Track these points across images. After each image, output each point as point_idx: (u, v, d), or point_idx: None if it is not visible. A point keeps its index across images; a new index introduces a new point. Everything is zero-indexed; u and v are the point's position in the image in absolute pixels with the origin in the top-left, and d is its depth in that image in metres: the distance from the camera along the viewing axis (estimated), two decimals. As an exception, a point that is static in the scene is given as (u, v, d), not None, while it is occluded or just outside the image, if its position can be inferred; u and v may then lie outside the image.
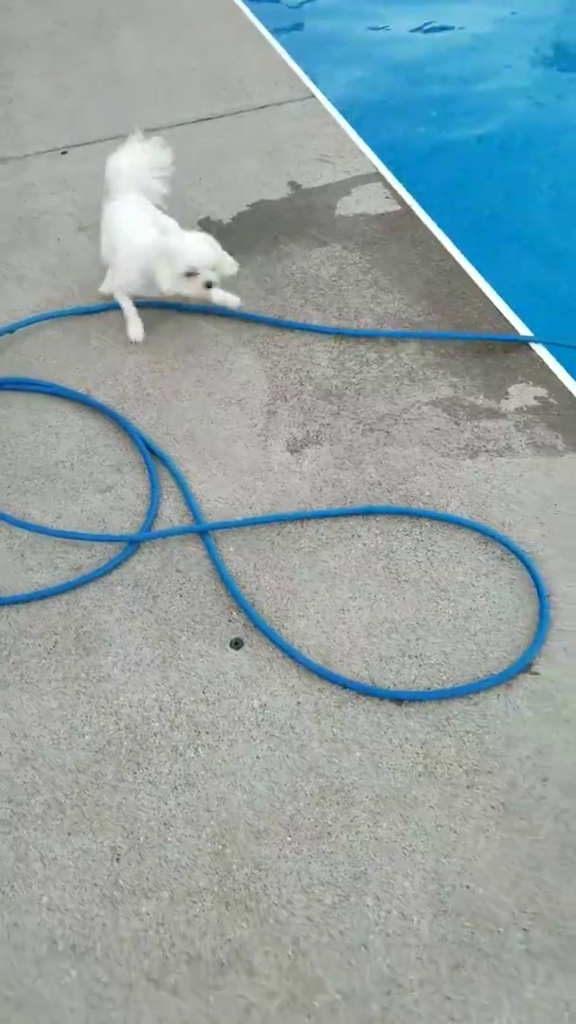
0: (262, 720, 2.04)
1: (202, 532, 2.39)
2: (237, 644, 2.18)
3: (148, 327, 3.04)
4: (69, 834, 1.88)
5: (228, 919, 1.75)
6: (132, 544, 2.37)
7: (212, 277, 2.75)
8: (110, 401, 2.78)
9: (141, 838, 1.87)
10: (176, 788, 1.94)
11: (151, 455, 2.59)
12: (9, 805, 1.92)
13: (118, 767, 1.97)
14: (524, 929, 1.71)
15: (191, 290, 2.76)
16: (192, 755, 1.99)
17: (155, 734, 2.03)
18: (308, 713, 2.05)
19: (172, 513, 2.47)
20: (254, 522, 2.41)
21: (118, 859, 1.84)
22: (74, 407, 2.78)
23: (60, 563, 2.36)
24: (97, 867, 1.83)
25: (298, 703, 2.06)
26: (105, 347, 2.99)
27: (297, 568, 2.33)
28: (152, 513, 2.45)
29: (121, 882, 1.81)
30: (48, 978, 1.70)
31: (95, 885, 1.81)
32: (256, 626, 2.20)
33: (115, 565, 2.33)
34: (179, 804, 1.91)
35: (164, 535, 2.38)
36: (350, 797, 1.90)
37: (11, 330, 3.03)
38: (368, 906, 1.75)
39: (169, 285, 2.72)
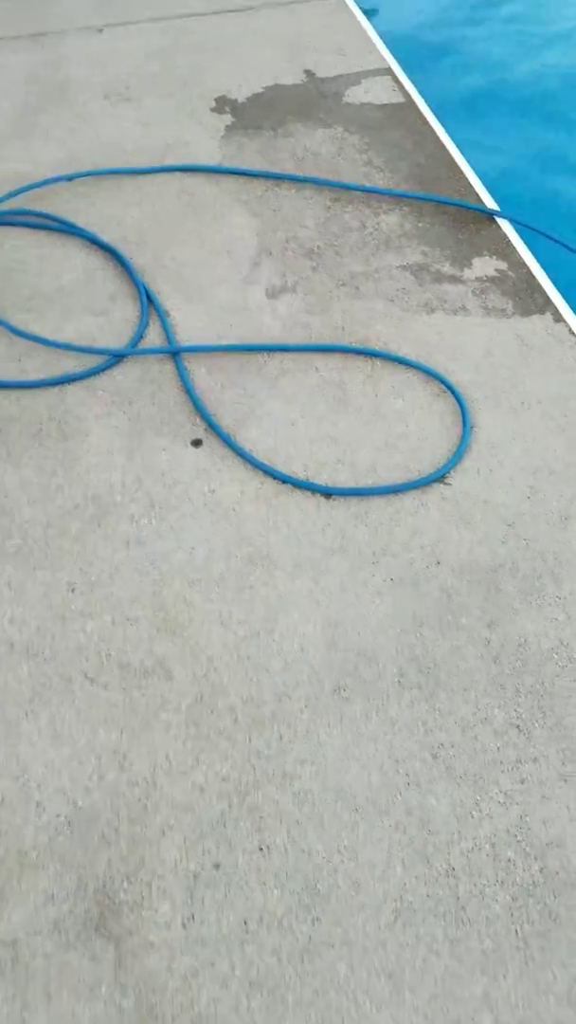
0: (209, 501, 2.37)
1: (174, 353, 2.69)
2: (197, 443, 2.50)
3: (154, 186, 3.32)
4: (34, 569, 2.23)
5: (157, 640, 2.10)
6: (115, 357, 2.69)
7: None
8: (112, 241, 3.07)
9: (93, 577, 2.21)
10: (128, 544, 2.28)
11: (143, 288, 2.89)
12: (-14, 544, 2.27)
13: (81, 525, 2.32)
14: (399, 667, 2.04)
15: None
16: (145, 522, 2.32)
17: (116, 504, 2.36)
18: (249, 499, 2.37)
19: (155, 338, 2.78)
20: (221, 348, 2.71)
21: (72, 591, 2.19)
22: (80, 244, 3.09)
23: (52, 369, 2.69)
24: (54, 595, 2.18)
25: (242, 491, 2.39)
26: (113, 198, 3.27)
27: (258, 390, 2.63)
28: (138, 335, 2.75)
29: (72, 607, 2.16)
30: (4, 669, 2.05)
31: (50, 608, 2.16)
32: (214, 431, 2.52)
33: (99, 371, 2.65)
34: (129, 556, 2.25)
35: (142, 352, 2.69)
36: (273, 562, 2.23)
37: (70, 178, 3.32)
38: (274, 640, 2.09)
39: None
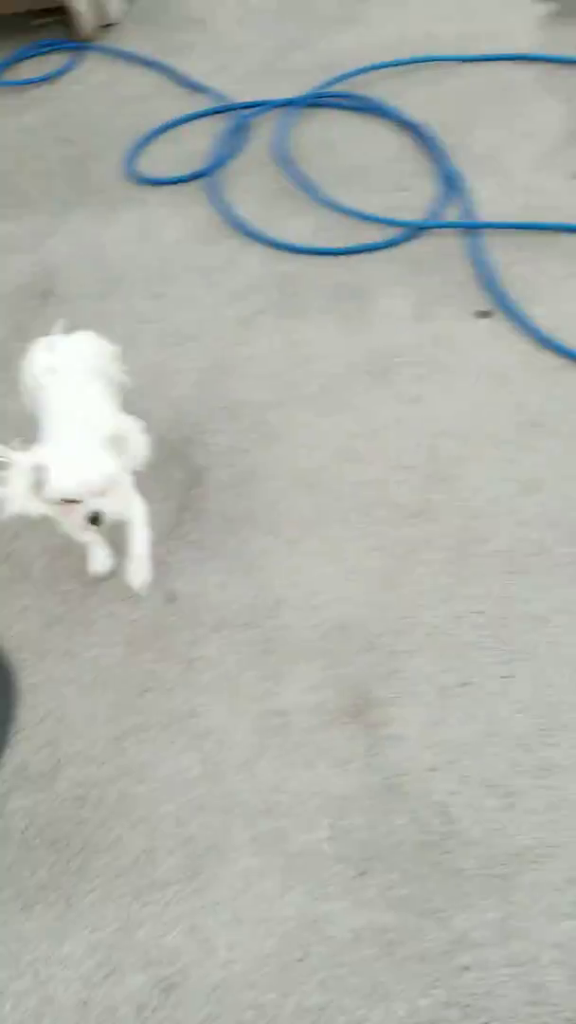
0: (489, 369, 2.46)
1: (470, 228, 2.77)
2: (484, 315, 2.59)
3: (468, 72, 3.35)
4: (327, 415, 2.45)
5: (427, 488, 2.25)
6: (413, 230, 2.81)
7: (98, 509, 1.81)
8: (421, 124, 3.17)
9: (375, 427, 2.39)
10: (405, 403, 2.44)
11: (446, 166, 2.98)
12: (286, 390, 2.52)
13: (369, 380, 2.50)
14: None
15: (70, 522, 1.91)
16: (427, 384, 2.47)
17: (399, 363, 2.52)
18: (530, 370, 2.44)
19: (454, 214, 2.87)
20: (517, 226, 2.75)
21: (356, 437, 2.39)
22: (389, 125, 3.21)
23: (355, 238, 2.86)
24: (339, 438, 2.39)
25: (524, 362, 2.46)
26: (427, 83, 3.35)
27: (553, 268, 2.66)
28: (437, 211, 2.86)
29: (354, 451, 2.36)
30: (291, 497, 2.30)
31: (335, 449, 2.37)
32: (501, 304, 2.59)
33: (397, 243, 2.79)
34: (409, 412, 2.41)
35: (440, 225, 2.80)
36: (547, 430, 2.30)
37: (395, 64, 3.43)
38: (540, 500, 2.18)
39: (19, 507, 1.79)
